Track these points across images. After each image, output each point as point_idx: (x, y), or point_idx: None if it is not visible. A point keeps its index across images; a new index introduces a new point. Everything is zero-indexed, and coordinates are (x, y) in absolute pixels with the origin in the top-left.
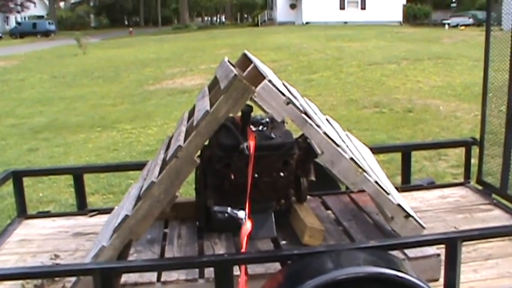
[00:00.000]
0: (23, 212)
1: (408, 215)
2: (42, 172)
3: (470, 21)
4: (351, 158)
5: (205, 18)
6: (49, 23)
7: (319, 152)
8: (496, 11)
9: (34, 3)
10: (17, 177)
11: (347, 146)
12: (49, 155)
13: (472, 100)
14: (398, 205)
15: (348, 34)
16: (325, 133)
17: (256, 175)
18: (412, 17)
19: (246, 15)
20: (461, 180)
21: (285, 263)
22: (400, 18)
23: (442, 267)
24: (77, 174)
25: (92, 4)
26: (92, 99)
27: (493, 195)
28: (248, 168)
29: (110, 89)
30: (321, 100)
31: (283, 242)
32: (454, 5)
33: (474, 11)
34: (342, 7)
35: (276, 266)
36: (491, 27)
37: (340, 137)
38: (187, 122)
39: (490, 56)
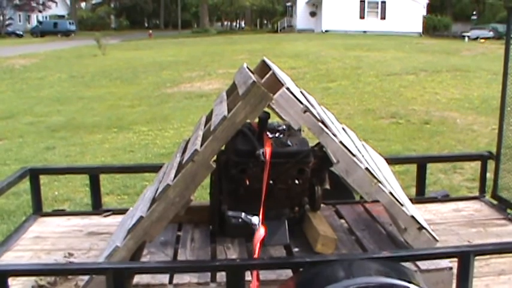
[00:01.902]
0: (38, 210)
1: (421, 227)
2: (59, 171)
3: (491, 34)
4: (366, 168)
5: (225, 23)
6: (70, 23)
7: (335, 161)
8: None
9: (56, 2)
10: (34, 175)
11: (362, 156)
12: (65, 154)
13: (490, 114)
14: (412, 217)
15: (366, 43)
16: (341, 142)
17: (271, 182)
18: (432, 28)
19: (265, 22)
20: (476, 194)
21: (297, 270)
22: (420, 30)
23: (454, 281)
24: (93, 174)
25: (112, 5)
26: (110, 100)
27: (508, 210)
28: (263, 175)
29: (127, 90)
30: (338, 109)
31: (296, 249)
32: (474, 17)
33: (495, 24)
34: (362, 16)
35: (288, 273)
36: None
37: (356, 147)
38: (205, 126)
39: (510, 70)
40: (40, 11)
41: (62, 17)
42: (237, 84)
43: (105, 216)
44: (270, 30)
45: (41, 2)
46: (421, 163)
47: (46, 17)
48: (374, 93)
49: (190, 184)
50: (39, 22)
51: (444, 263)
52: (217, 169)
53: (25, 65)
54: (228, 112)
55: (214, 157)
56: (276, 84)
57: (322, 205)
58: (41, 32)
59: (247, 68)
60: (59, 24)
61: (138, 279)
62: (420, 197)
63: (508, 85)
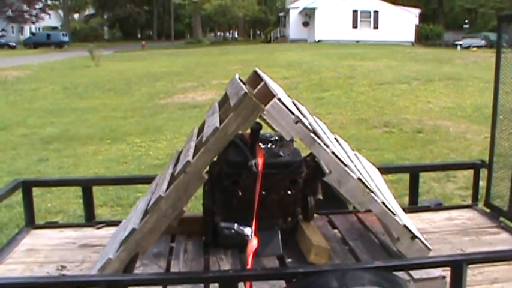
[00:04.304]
0: (31, 222)
1: (414, 236)
2: (52, 183)
3: (483, 42)
4: (358, 178)
5: (218, 34)
6: (63, 35)
7: (327, 171)
8: (508, 33)
9: (49, 14)
10: (27, 187)
11: (355, 166)
12: (59, 166)
13: (483, 122)
14: (405, 226)
15: (359, 53)
16: (333, 153)
17: (263, 192)
18: (425, 37)
19: (258, 32)
20: (469, 202)
21: (290, 280)
22: (412, 39)
23: None
24: (86, 186)
25: (105, 17)
26: (103, 112)
27: (501, 219)
28: (256, 186)
29: (121, 101)
30: (331, 118)
31: (289, 260)
32: (466, 26)
33: (487, 32)
34: (355, 26)
35: (281, 284)
36: (503, 49)
37: (349, 157)
38: (197, 137)
39: (501, 78)
40: (33, 23)
41: (55, 28)
42: (229, 95)
43: (98, 228)
44: (263, 40)
45: (34, 14)
46: (414, 172)
47: (39, 29)
48: (367, 103)
49: (183, 195)
50: (32, 33)
51: (437, 272)
52: (210, 180)
53: (18, 77)
54: (220, 123)
55: (207, 168)
56: (267, 95)
57: (315, 215)
58: (34, 43)
59: (239, 79)
60: (52, 36)
61: None
62: (413, 206)
63: (500, 93)
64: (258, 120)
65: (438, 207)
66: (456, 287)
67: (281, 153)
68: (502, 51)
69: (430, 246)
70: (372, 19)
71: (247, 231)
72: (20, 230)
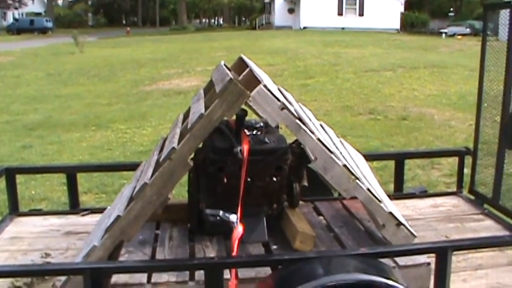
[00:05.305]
0: (14, 210)
1: (399, 223)
2: (35, 170)
3: (468, 30)
4: (344, 165)
5: (203, 20)
6: (46, 20)
7: (313, 158)
8: (493, 21)
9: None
10: (10, 174)
11: (340, 153)
12: (42, 153)
13: (467, 110)
14: (390, 213)
15: (345, 40)
16: (318, 139)
17: (249, 179)
18: (410, 25)
19: (244, 19)
20: (454, 189)
21: (276, 267)
22: (398, 26)
23: (432, 276)
24: (70, 173)
25: (90, 3)
26: (87, 98)
27: (485, 205)
28: (241, 172)
29: (105, 88)
30: (316, 105)
31: (274, 247)
32: (451, 14)
33: (472, 20)
34: (340, 13)
35: (267, 271)
36: (488, 37)
37: (334, 144)
38: (182, 124)
39: (486, 66)
40: (16, 8)
41: (39, 14)
42: (214, 81)
43: (82, 215)
44: (248, 27)
45: None
46: (399, 159)
47: (22, 14)
48: (352, 90)
49: (168, 182)
50: (15, 19)
51: (422, 258)
52: (195, 167)
53: (1, 63)
54: (205, 110)
55: (192, 155)
56: (253, 81)
57: (300, 202)
58: (17, 29)
59: (225, 65)
60: (36, 22)
61: (115, 278)
62: (398, 193)
63: (485, 81)
64: (243, 106)
65: (423, 194)
66: (441, 273)
67: (266, 140)
68: (487, 40)
69: (415, 233)
70: (357, 6)
71: (233, 218)
72: (3, 218)
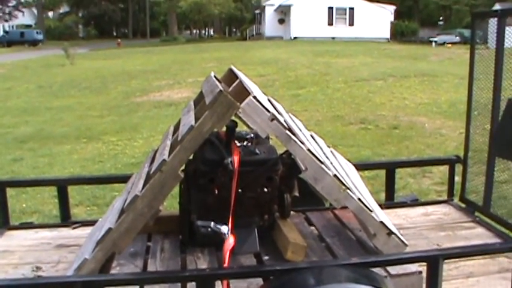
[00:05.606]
0: (5, 223)
1: (391, 232)
2: (26, 183)
3: (457, 39)
4: (335, 175)
5: (194, 31)
6: (37, 33)
7: (303, 168)
8: (482, 30)
9: (22, 12)
10: (1, 187)
11: (331, 163)
12: (33, 166)
13: (457, 118)
14: (381, 222)
15: (335, 50)
16: (309, 150)
17: (240, 190)
18: (400, 34)
19: (234, 29)
20: (445, 197)
21: (267, 278)
22: (388, 35)
23: (424, 285)
24: (61, 185)
25: (80, 15)
26: (79, 110)
27: (476, 213)
28: (232, 183)
29: (96, 100)
30: (307, 115)
31: (266, 258)
32: (441, 22)
33: (461, 29)
34: (330, 23)
35: (259, 282)
36: (477, 45)
37: (325, 154)
38: (173, 136)
39: (475, 74)
40: (6, 21)
41: (29, 26)
42: (204, 93)
43: (74, 228)
44: (239, 37)
45: (7, 12)
46: (390, 168)
47: (13, 27)
48: (343, 100)
49: (159, 194)
50: (6, 32)
51: (414, 267)
52: (186, 179)
53: None
54: (196, 121)
55: (183, 167)
56: (243, 92)
57: (291, 212)
58: (8, 41)
59: (215, 76)
60: (26, 34)
61: None
62: (390, 202)
63: (474, 89)
64: (233, 118)
65: (414, 203)
66: (432, 281)
67: (257, 151)
68: (476, 48)
69: (406, 242)
70: (347, 16)
71: (224, 229)
72: None
